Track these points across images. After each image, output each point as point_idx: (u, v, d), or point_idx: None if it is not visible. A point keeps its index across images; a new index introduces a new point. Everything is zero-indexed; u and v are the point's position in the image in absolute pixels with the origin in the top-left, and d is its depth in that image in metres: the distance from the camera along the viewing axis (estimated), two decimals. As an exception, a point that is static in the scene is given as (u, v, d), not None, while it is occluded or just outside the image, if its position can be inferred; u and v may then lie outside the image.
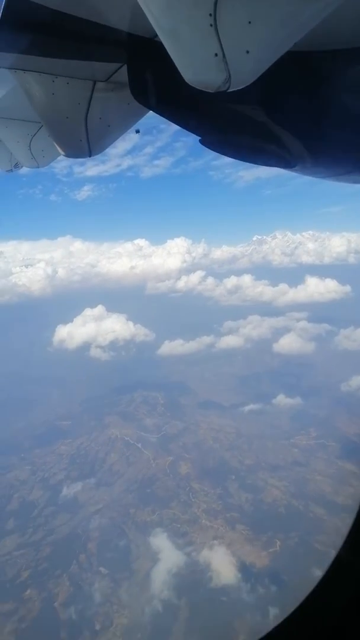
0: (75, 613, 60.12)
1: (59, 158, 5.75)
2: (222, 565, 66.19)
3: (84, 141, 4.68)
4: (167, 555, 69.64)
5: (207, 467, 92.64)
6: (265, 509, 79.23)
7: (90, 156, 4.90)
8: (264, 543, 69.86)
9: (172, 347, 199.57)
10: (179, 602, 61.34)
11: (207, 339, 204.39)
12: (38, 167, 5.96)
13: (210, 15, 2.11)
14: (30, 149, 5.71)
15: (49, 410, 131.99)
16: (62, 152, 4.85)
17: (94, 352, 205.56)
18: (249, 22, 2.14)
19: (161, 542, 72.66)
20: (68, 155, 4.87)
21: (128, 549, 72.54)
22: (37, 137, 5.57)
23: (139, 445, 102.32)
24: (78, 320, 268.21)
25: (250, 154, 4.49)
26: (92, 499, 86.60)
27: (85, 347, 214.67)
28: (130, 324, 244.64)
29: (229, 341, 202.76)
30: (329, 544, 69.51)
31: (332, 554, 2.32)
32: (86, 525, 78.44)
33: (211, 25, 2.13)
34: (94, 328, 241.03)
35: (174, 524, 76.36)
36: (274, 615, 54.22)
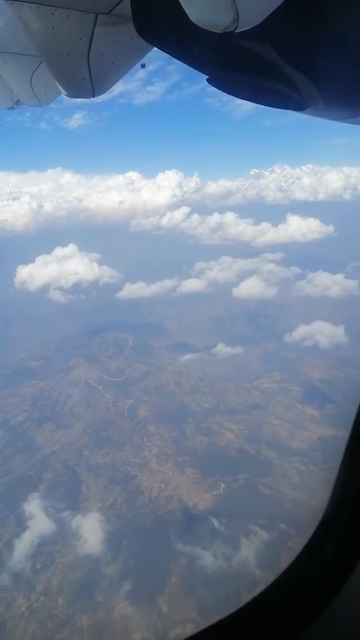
0: (19, 553, 61.91)
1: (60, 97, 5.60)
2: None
3: (87, 80, 4.46)
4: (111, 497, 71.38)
5: (165, 410, 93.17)
6: (218, 452, 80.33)
7: (93, 96, 4.68)
8: (209, 486, 71.21)
9: (132, 290, 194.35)
10: (120, 541, 63.25)
11: (169, 283, 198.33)
12: (40, 105, 5.70)
13: None
14: (31, 86, 5.49)
15: (24, 350, 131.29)
16: (64, 92, 4.66)
17: (56, 295, 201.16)
18: None
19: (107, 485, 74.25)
20: (70, 95, 4.66)
21: (78, 491, 73.99)
22: (38, 74, 5.36)
23: (100, 387, 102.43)
24: (40, 260, 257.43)
25: (259, 95, 4.35)
26: (49, 440, 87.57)
27: (47, 288, 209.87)
28: (95, 265, 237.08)
29: (190, 285, 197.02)
30: (274, 487, 71.12)
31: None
32: (40, 466, 79.65)
33: None
34: (55, 269, 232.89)
35: (125, 466, 77.59)
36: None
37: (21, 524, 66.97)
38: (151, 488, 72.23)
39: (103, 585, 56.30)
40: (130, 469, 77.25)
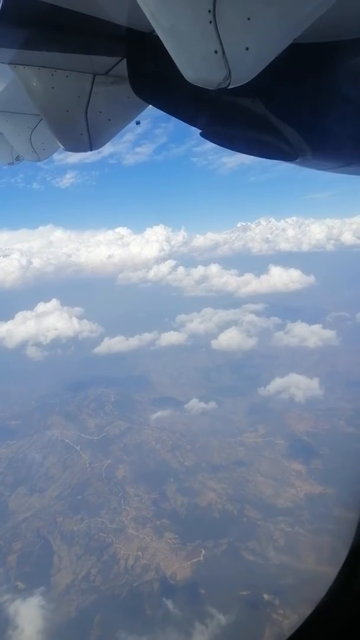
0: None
1: (58, 150, 5.77)
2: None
3: (85, 135, 4.63)
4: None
5: (145, 469, 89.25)
6: (199, 513, 76.30)
7: (91, 150, 4.83)
8: (189, 552, 66.92)
9: (111, 344, 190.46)
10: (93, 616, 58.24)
11: (148, 336, 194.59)
12: (39, 160, 5.84)
13: (210, 12, 2.12)
14: (31, 142, 5.61)
15: (3, 408, 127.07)
16: (63, 146, 4.85)
17: (34, 351, 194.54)
18: (249, 19, 2.15)
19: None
20: (68, 149, 4.86)
21: (50, 562, 69.04)
22: (38, 130, 5.49)
23: (78, 447, 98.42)
24: (19, 316, 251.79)
25: (250, 147, 4.49)
26: (22, 506, 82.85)
27: (25, 345, 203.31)
28: (75, 320, 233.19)
29: (170, 338, 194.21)
30: (257, 552, 67.19)
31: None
32: (10, 535, 74.68)
33: (210, 22, 2.13)
34: (34, 325, 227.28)
35: (101, 533, 73.02)
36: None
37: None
38: (127, 557, 67.75)
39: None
40: (105, 535, 72.70)
